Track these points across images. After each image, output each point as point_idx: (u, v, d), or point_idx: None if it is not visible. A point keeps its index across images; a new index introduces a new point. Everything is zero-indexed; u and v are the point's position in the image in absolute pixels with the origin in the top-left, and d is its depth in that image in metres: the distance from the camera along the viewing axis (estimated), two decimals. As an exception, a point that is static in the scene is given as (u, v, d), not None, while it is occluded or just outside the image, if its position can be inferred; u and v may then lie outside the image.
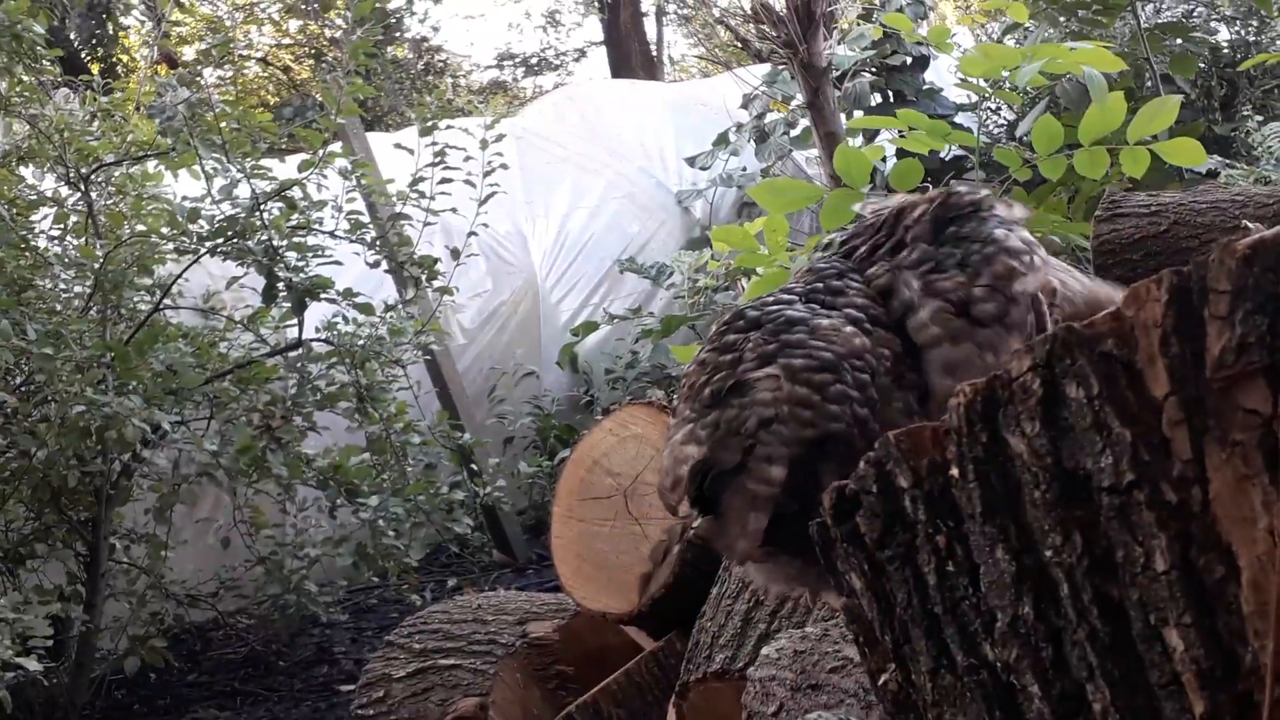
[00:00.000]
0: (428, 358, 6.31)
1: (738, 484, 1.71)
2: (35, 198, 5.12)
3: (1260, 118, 7.33)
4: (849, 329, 1.82)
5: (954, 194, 1.95)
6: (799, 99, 8.02)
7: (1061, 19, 6.73)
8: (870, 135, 7.67)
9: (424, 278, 5.65)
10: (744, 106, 9.33)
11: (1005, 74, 5.09)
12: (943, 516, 1.16)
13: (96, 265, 4.82)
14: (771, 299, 1.90)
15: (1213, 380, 0.98)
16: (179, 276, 5.13)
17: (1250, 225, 2.31)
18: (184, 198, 5.24)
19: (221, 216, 5.05)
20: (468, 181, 5.72)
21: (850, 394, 1.76)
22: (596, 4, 18.94)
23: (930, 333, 1.82)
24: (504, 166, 5.93)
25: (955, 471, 1.14)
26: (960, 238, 1.89)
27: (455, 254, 5.94)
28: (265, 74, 19.50)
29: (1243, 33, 8.35)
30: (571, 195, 8.80)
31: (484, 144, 5.82)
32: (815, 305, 1.85)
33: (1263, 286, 0.96)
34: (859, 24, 9.08)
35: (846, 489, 1.25)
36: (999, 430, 1.11)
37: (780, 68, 8.84)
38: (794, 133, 8.79)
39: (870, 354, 1.80)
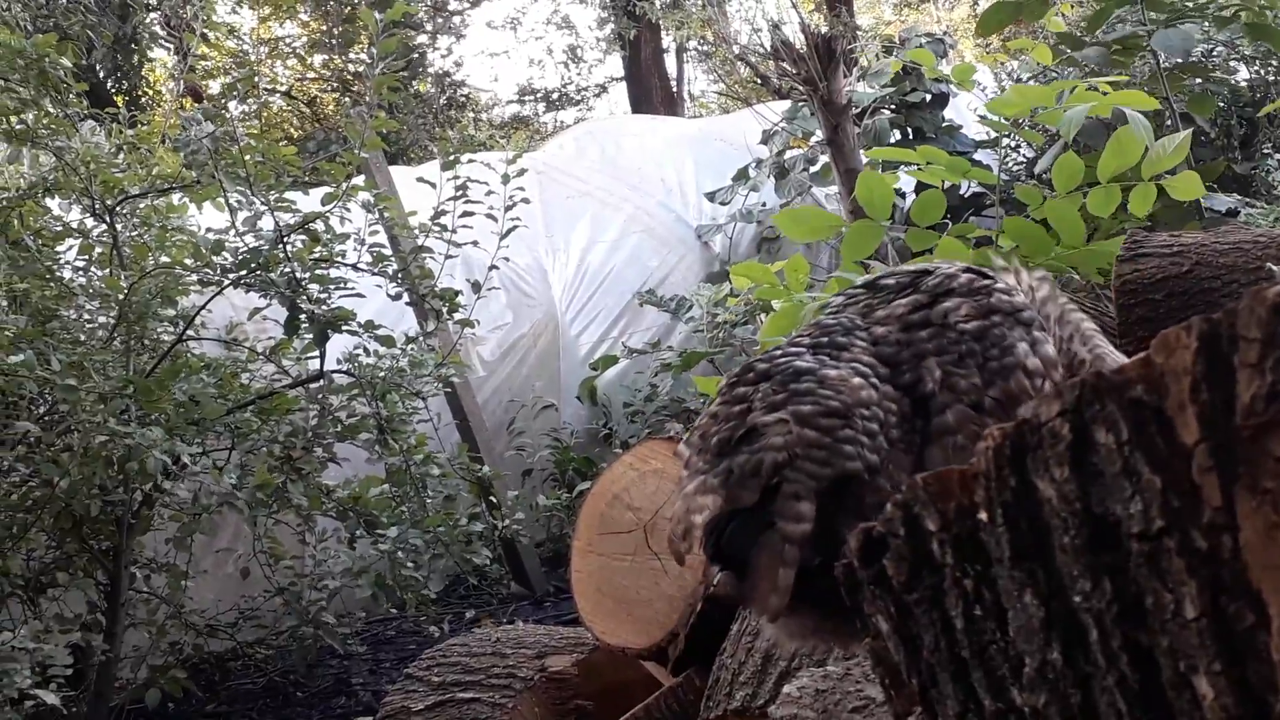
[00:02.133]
0: (448, 390, 6.32)
1: (766, 539, 1.71)
2: (61, 229, 5.16)
3: (1280, 157, 7.33)
4: (857, 380, 1.84)
5: (995, 294, 1.97)
6: (819, 135, 8.05)
7: (1081, 58, 6.74)
8: (890, 168, 7.68)
9: (445, 310, 5.67)
10: (764, 142, 9.36)
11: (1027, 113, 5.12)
12: (970, 560, 1.15)
13: (121, 296, 4.85)
14: (780, 352, 1.94)
15: (1243, 427, 0.96)
16: (202, 308, 5.16)
17: (1274, 268, 2.30)
18: (208, 229, 5.28)
19: (245, 249, 5.08)
20: (489, 215, 5.75)
21: (860, 439, 1.78)
22: (618, 41, 19.05)
23: (949, 433, 1.85)
24: (525, 200, 5.96)
25: (984, 515, 1.13)
26: (986, 332, 1.91)
27: (476, 287, 5.97)
28: (289, 107, 19.66)
29: (1262, 73, 8.36)
30: (592, 229, 8.84)
31: (505, 178, 5.86)
32: (823, 358, 1.88)
33: None
34: (880, 59, 9.12)
35: (874, 531, 1.25)
36: (1028, 475, 1.10)
37: (800, 104, 8.88)
38: (814, 169, 8.82)
39: (878, 406, 1.83)
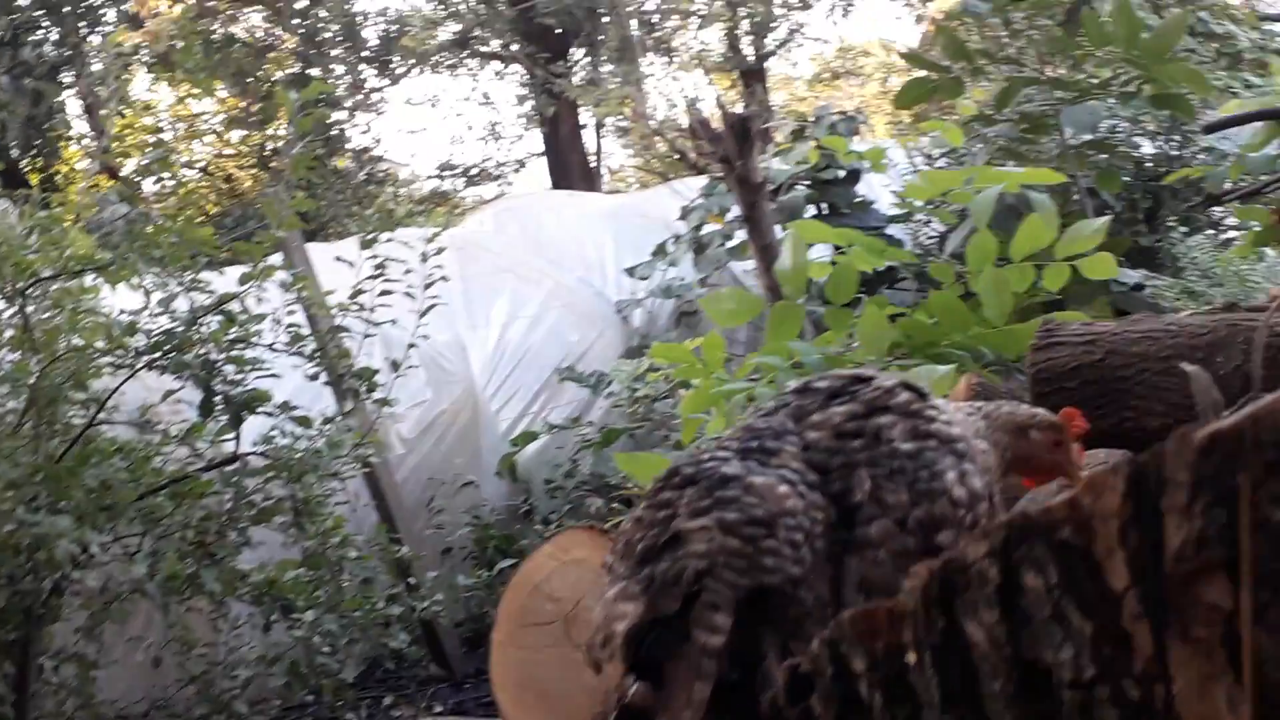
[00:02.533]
0: (366, 470, 6.25)
1: (684, 651, 1.71)
2: (-31, 312, 5.07)
3: (1185, 229, 7.53)
4: (784, 488, 1.86)
5: (932, 420, 2.01)
6: (736, 211, 8.15)
7: (990, 136, 6.91)
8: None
9: (363, 390, 5.63)
10: (682, 218, 9.45)
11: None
12: (900, 702, 1.13)
13: (31, 380, 4.76)
14: (707, 456, 1.95)
15: (1173, 574, 0.95)
16: (115, 391, 5.07)
17: (1186, 368, 2.34)
18: (122, 310, 5.21)
19: (159, 330, 5.02)
20: (408, 294, 5.73)
21: (783, 549, 1.80)
22: (537, 117, 19.19)
23: (872, 546, 1.87)
24: (444, 279, 5.96)
25: (912, 657, 1.11)
26: (918, 454, 1.95)
27: (395, 366, 5.93)
28: (207, 183, 19.52)
29: (1166, 147, 8.60)
30: (511, 304, 8.84)
31: (424, 256, 5.85)
32: (751, 464, 1.90)
33: (1221, 478, 0.93)
34: (791, 144, 9.26)
35: (800, 668, 1.22)
36: (956, 616, 1.07)
37: (717, 181, 8.99)
38: (731, 244, 8.91)
39: (804, 515, 1.84)
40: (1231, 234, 8.44)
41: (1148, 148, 8.65)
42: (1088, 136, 7.57)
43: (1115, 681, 0.98)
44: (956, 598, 1.07)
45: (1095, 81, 6.79)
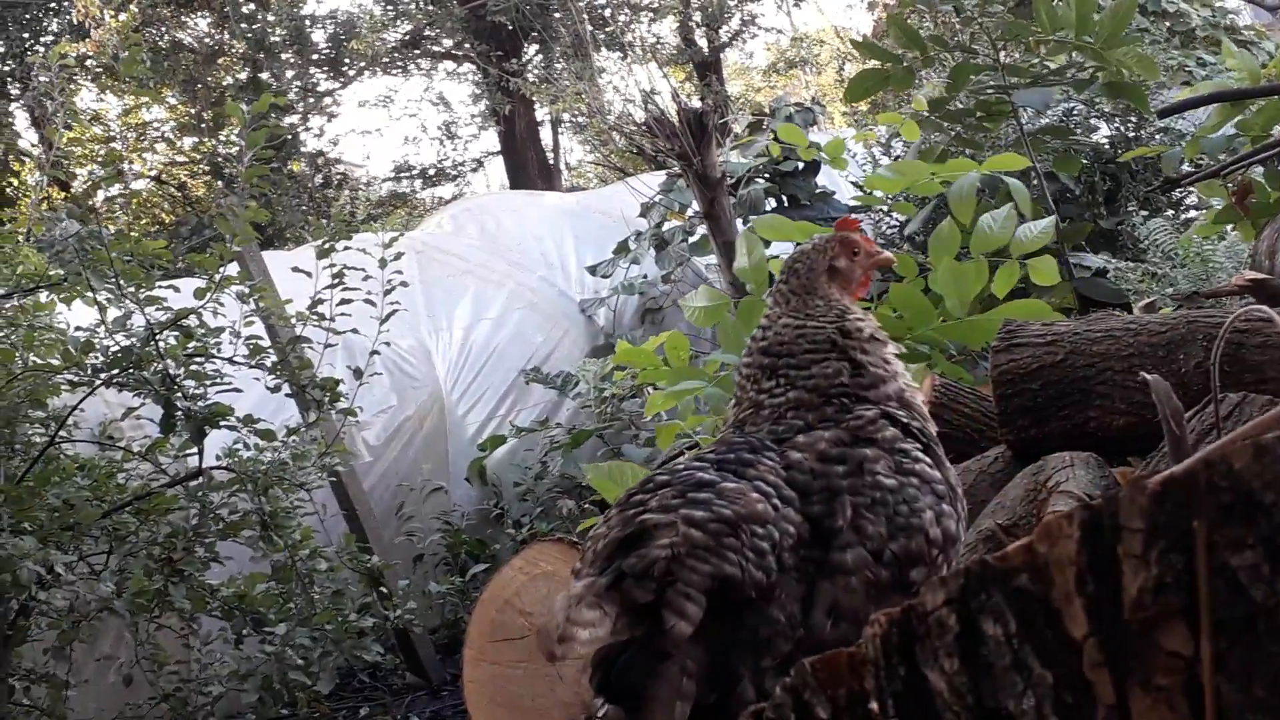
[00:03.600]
0: (333, 480, 6.22)
1: (664, 670, 1.70)
2: (-77, 333, 5.00)
3: (1145, 212, 7.58)
4: (754, 495, 1.87)
5: (917, 460, 2.04)
6: (696, 207, 8.15)
7: (947, 125, 6.92)
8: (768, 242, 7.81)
9: (326, 400, 5.60)
10: (642, 215, 9.44)
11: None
12: None
13: (-13, 401, 4.71)
14: (683, 466, 1.96)
15: (1132, 621, 0.94)
16: (74, 409, 5.02)
17: (1146, 376, 2.35)
18: (77, 328, 5.16)
19: (116, 347, 4.97)
20: (368, 301, 5.70)
21: (745, 551, 1.79)
22: (493, 116, 19.12)
23: (845, 573, 1.88)
24: (404, 284, 5.93)
25: (875, 705, 1.09)
26: (901, 489, 1.99)
27: (358, 374, 5.90)
28: (160, 192, 19.35)
29: (1123, 129, 8.65)
30: (474, 307, 8.81)
31: (383, 263, 5.82)
32: (727, 474, 1.91)
33: (1176, 524, 0.93)
34: (750, 138, 9.26)
35: (764, 714, 1.20)
36: (918, 665, 1.06)
37: (676, 177, 8.98)
38: (692, 239, 8.91)
39: (774, 525, 1.85)
40: (1192, 214, 8.50)
41: (1104, 130, 8.70)
42: (1044, 122, 7.61)
43: (1078, 731, 0.97)
44: (916, 645, 1.05)
45: (1050, 67, 6.81)
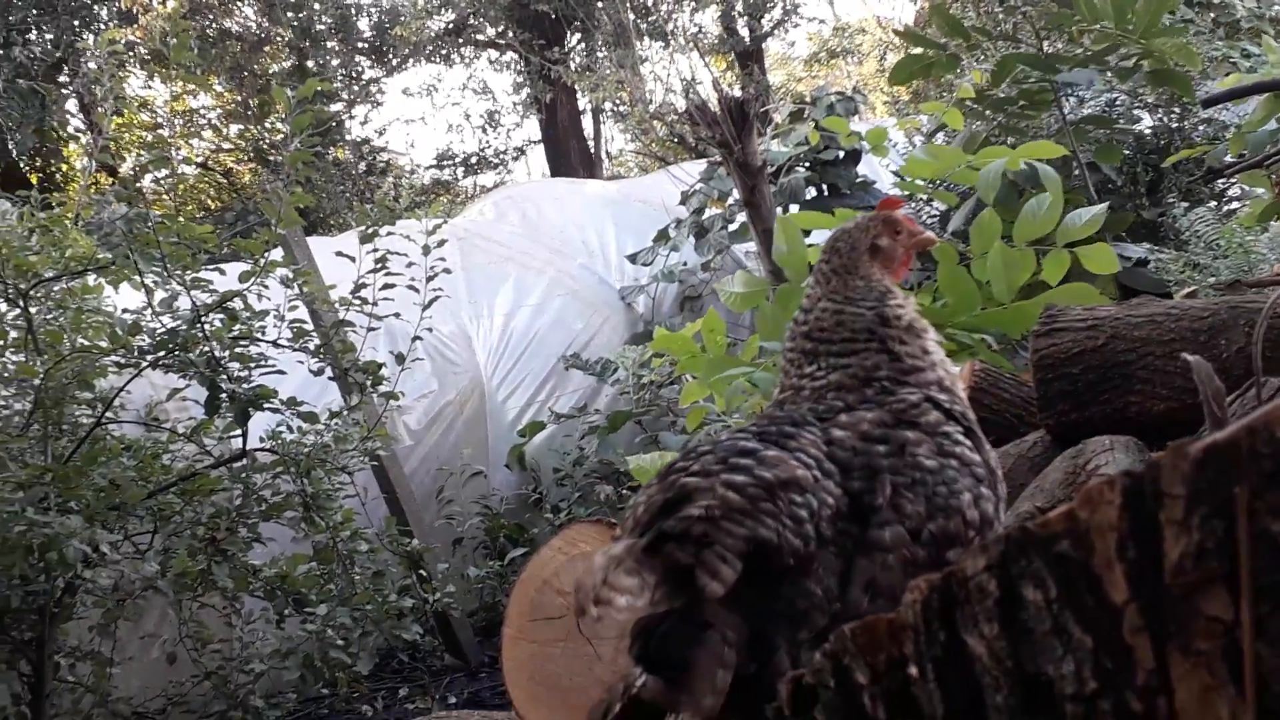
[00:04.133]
0: (374, 463, 6.27)
1: (707, 639, 1.71)
2: (-27, 315, 5.07)
3: (1187, 203, 7.51)
4: (794, 462, 1.87)
5: (958, 443, 2.04)
6: (736, 195, 8.15)
7: (989, 114, 6.89)
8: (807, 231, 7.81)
9: (369, 383, 5.64)
10: (682, 203, 9.45)
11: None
12: (903, 715, 1.12)
13: (37, 381, 4.77)
14: (726, 437, 1.97)
15: (1172, 586, 0.94)
16: (121, 390, 5.08)
17: (1188, 358, 2.34)
18: (124, 310, 5.22)
19: (162, 329, 5.03)
20: (411, 286, 5.74)
21: (782, 517, 1.80)
22: (535, 104, 19.15)
23: (883, 550, 1.89)
24: (446, 270, 5.96)
25: (914, 670, 1.10)
26: (940, 471, 1.98)
27: (400, 358, 5.94)
28: (206, 178, 19.51)
29: (1165, 119, 8.57)
30: (515, 293, 8.85)
31: (425, 249, 5.86)
32: (769, 444, 1.92)
33: (1218, 490, 0.93)
34: (790, 126, 9.24)
35: (803, 680, 1.21)
36: (957, 630, 1.07)
37: (716, 165, 8.98)
38: (732, 227, 8.91)
39: (813, 494, 1.85)
40: (1234, 205, 8.41)
41: (1147, 120, 8.62)
42: (1087, 112, 7.55)
43: (1117, 694, 0.97)
44: (956, 611, 1.06)
45: (1091, 54, 6.77)
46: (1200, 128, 8.38)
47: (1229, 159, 6.77)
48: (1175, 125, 8.52)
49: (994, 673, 1.05)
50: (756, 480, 1.83)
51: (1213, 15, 10.31)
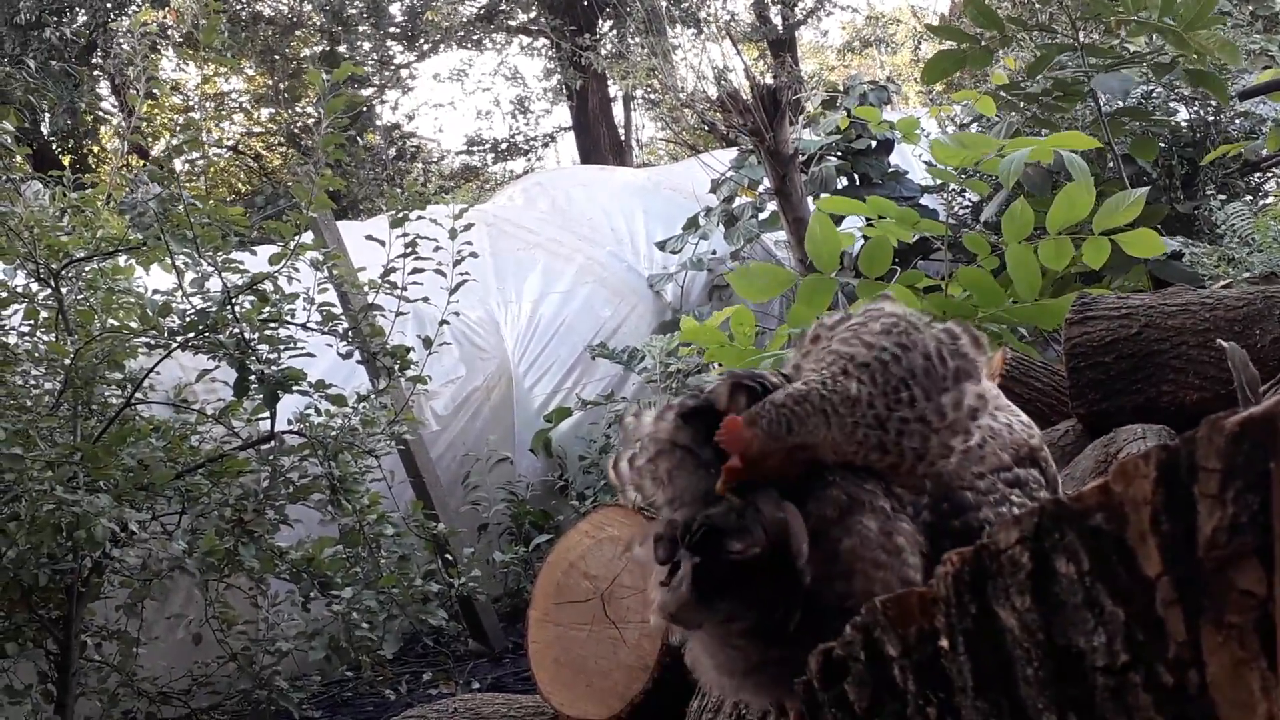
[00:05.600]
0: (401, 447, 6.28)
1: (785, 505, 1.67)
2: (5, 294, 5.10)
3: (1222, 197, 7.45)
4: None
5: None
6: (766, 183, 8.12)
7: (1023, 105, 6.83)
8: (838, 219, 7.76)
9: (397, 367, 5.64)
10: (712, 191, 9.42)
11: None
12: (933, 688, 1.12)
13: (67, 361, 4.80)
14: None
15: (1206, 560, 0.94)
16: (150, 371, 5.10)
17: (1223, 344, 2.32)
18: (155, 291, 5.24)
19: (192, 310, 5.04)
20: (439, 271, 5.74)
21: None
22: (565, 91, 19.15)
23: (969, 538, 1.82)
24: (474, 255, 5.96)
25: (945, 643, 1.10)
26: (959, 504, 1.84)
27: (428, 343, 5.95)
28: (236, 162, 19.59)
29: (1202, 113, 8.50)
30: (543, 280, 8.84)
31: (453, 233, 5.86)
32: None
33: (1253, 464, 0.93)
34: (823, 114, 9.20)
35: (834, 652, 1.21)
36: (989, 603, 1.07)
37: (747, 153, 8.94)
38: (762, 216, 8.88)
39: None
40: (1270, 200, 8.34)
41: (1183, 114, 8.55)
42: (1121, 104, 7.49)
43: (1148, 667, 0.97)
44: (988, 584, 1.06)
45: (1130, 49, 6.71)
46: (1236, 121, 8.29)
47: (1266, 153, 6.70)
48: (1211, 119, 8.45)
49: (1025, 645, 1.05)
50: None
51: (1250, 8, 10.21)
